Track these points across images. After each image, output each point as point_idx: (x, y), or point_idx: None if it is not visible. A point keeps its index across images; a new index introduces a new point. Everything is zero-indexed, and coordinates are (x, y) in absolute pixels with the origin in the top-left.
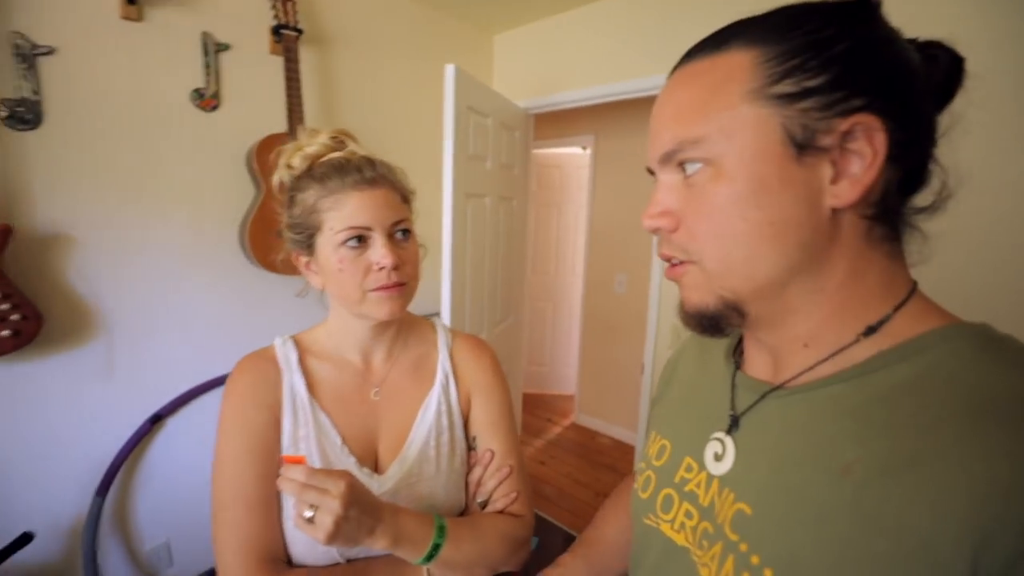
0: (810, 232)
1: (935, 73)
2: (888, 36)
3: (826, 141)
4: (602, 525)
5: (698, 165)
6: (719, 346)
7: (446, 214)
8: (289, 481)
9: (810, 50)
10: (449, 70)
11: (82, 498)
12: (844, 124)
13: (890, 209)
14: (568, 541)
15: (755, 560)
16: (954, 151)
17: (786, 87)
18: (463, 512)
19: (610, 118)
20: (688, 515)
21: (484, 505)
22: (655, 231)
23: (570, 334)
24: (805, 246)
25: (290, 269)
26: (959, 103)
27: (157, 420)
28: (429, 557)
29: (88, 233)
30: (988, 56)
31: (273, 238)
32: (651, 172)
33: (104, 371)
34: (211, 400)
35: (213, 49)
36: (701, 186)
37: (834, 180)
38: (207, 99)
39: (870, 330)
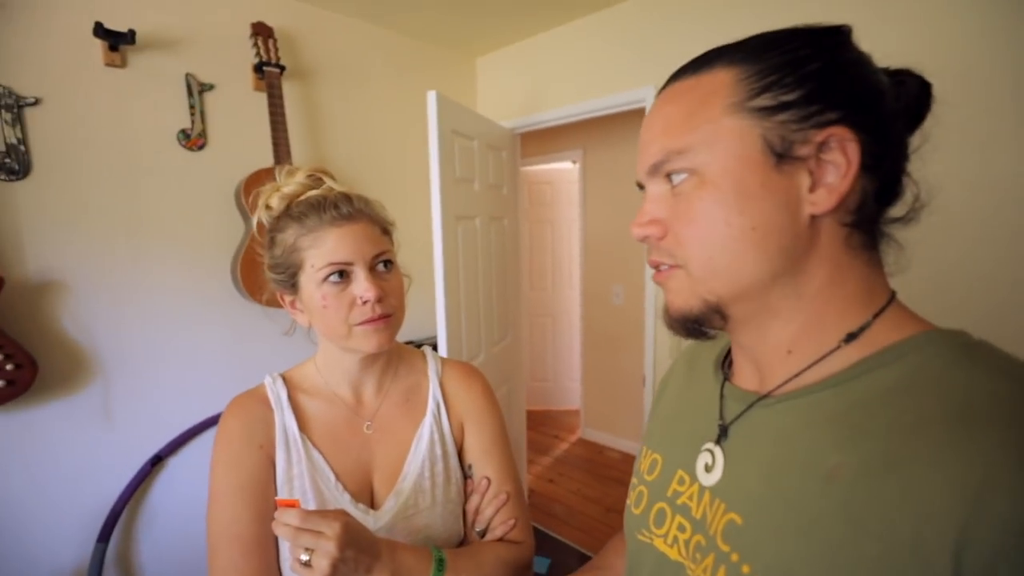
0: (790, 238)
1: (904, 96)
2: (858, 58)
3: (803, 151)
4: (612, 554)
5: (683, 175)
6: (708, 359)
7: (436, 238)
8: (283, 526)
9: (786, 68)
10: (431, 96)
11: (84, 545)
12: (819, 135)
13: (867, 218)
14: (580, 560)
15: (746, 570)
16: (925, 165)
17: (765, 100)
18: (462, 542)
19: (597, 131)
20: (681, 528)
21: (483, 534)
22: (644, 239)
23: (571, 348)
24: (786, 251)
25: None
26: (928, 123)
27: (158, 461)
28: None
29: (80, 278)
30: (986, 58)
31: (264, 273)
32: (640, 187)
33: (102, 415)
34: (212, 437)
35: (197, 89)
36: (687, 194)
37: (812, 188)
38: (193, 139)
39: (850, 337)
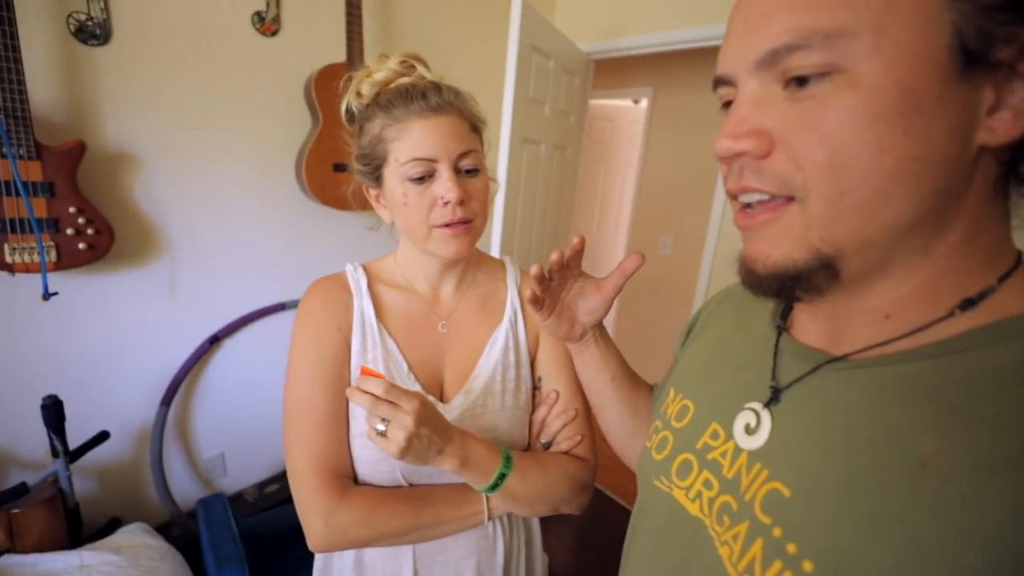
0: (954, 175)
1: None
2: None
3: (1003, 54)
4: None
5: (813, 71)
6: (765, 304)
7: (502, 159)
8: (362, 392)
9: None
10: (516, 4)
11: (150, 406)
12: None
13: (1021, 159)
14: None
15: (792, 549)
16: None
17: None
18: (525, 451)
19: (673, 71)
20: (707, 485)
21: (548, 446)
22: (734, 157)
23: None
24: (942, 193)
25: (346, 204)
26: None
27: (215, 340)
28: (495, 485)
29: (152, 153)
30: None
31: (329, 172)
32: (723, 83)
33: (168, 290)
34: (264, 325)
35: None
36: (821, 99)
37: (991, 109)
38: (267, 23)
39: (967, 303)
